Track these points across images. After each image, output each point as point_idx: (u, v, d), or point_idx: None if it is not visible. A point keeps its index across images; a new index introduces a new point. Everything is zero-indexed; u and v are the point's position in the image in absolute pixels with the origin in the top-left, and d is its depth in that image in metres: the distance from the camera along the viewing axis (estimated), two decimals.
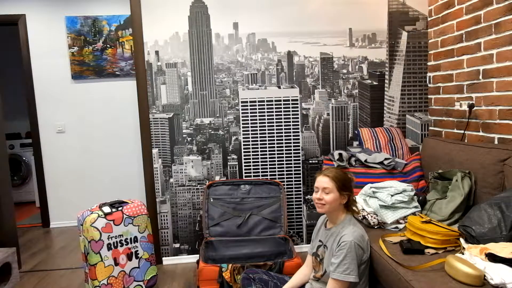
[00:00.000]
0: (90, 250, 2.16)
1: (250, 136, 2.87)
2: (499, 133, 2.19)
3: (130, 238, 2.31)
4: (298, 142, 2.91)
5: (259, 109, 2.86)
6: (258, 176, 2.90)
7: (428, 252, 1.69)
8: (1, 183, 2.70)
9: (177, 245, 2.89)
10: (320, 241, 1.80)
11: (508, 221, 1.58)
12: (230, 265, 2.20)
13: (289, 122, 2.89)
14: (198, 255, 2.78)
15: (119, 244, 2.26)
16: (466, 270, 1.38)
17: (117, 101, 3.95)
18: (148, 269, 2.39)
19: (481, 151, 2.06)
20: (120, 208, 2.31)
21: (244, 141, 2.88)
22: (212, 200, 2.73)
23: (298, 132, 2.90)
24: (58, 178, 3.96)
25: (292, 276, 1.92)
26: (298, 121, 2.90)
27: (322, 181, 1.70)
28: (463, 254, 1.56)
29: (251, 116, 2.86)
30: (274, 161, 2.90)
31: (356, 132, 2.89)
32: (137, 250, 2.34)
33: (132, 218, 2.32)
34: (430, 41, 2.88)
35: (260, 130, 2.87)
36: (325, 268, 1.69)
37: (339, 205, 1.71)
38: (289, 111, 2.88)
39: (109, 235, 2.22)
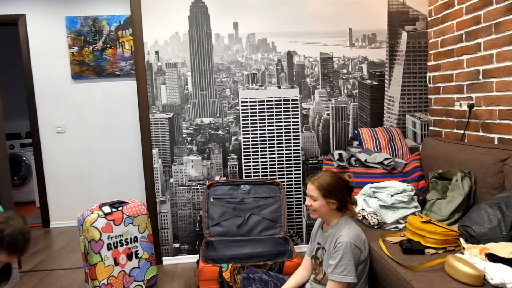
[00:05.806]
0: (90, 250, 2.16)
1: (250, 136, 2.87)
2: (499, 133, 2.19)
3: (130, 238, 2.31)
4: (298, 142, 2.91)
5: (259, 109, 2.86)
6: (258, 176, 2.90)
7: (428, 252, 1.69)
8: (1, 183, 2.70)
9: (177, 245, 2.89)
10: (318, 243, 1.80)
11: (508, 221, 1.58)
12: (230, 265, 2.20)
13: (289, 122, 2.89)
14: (198, 255, 2.78)
15: (119, 244, 2.26)
16: (466, 270, 1.38)
17: (117, 101, 3.95)
18: (148, 269, 2.39)
19: (481, 151, 2.06)
20: (120, 208, 2.31)
21: (244, 141, 2.87)
22: (212, 200, 2.73)
23: (298, 132, 2.90)
24: (58, 178, 3.96)
25: None
26: (298, 121, 2.90)
27: (309, 188, 1.73)
28: (463, 254, 1.56)
29: (251, 116, 2.86)
30: (274, 161, 2.90)
31: (356, 132, 2.89)
32: (137, 250, 2.34)
33: (132, 218, 2.32)
34: (430, 41, 2.88)
35: (260, 130, 2.87)
36: (325, 270, 1.69)
37: (330, 210, 1.70)
38: (289, 111, 2.88)
39: (109, 235, 2.22)
